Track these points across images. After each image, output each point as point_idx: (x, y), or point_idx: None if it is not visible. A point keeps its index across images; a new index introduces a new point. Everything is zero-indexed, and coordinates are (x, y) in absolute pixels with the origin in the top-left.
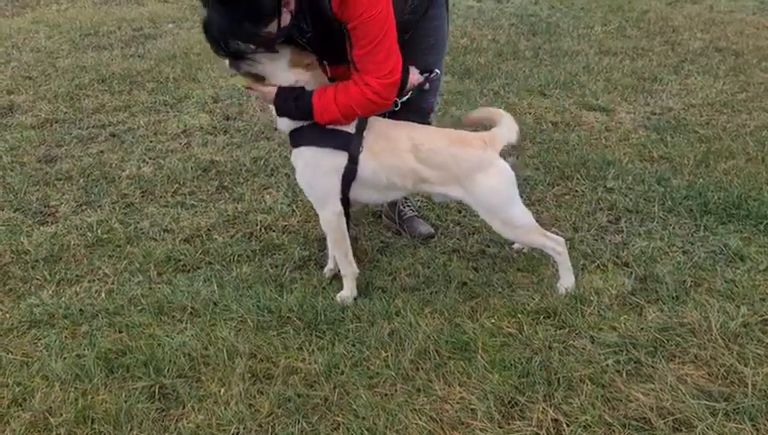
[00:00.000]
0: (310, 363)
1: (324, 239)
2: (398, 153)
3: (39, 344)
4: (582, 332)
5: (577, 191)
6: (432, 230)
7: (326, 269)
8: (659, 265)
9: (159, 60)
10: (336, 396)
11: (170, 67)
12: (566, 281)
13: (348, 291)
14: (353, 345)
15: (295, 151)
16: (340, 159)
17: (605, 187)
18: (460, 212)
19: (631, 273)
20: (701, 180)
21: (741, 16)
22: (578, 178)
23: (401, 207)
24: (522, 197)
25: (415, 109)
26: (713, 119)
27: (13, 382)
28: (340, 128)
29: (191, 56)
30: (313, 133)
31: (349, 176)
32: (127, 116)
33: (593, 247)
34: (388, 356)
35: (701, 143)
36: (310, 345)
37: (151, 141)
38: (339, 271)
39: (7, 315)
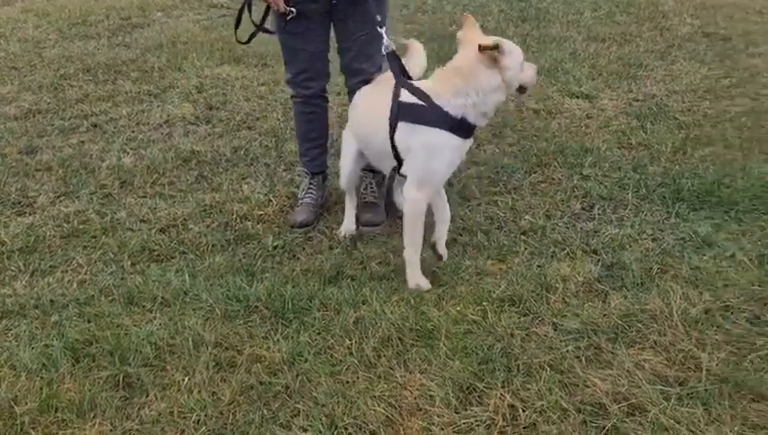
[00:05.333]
0: (274, 352)
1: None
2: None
3: (9, 335)
4: (546, 319)
5: (553, 179)
6: (372, 217)
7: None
8: (627, 253)
9: (145, 49)
10: (298, 384)
11: (156, 56)
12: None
13: (421, 279)
14: (318, 334)
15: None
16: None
17: (581, 174)
18: None
19: (599, 260)
20: (677, 167)
21: (732, 0)
22: (555, 166)
23: (362, 190)
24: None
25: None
26: (694, 105)
27: None
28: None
29: (178, 45)
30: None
31: None
32: (110, 106)
33: (564, 235)
34: (351, 344)
35: (680, 130)
36: (275, 334)
37: (133, 132)
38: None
39: None
